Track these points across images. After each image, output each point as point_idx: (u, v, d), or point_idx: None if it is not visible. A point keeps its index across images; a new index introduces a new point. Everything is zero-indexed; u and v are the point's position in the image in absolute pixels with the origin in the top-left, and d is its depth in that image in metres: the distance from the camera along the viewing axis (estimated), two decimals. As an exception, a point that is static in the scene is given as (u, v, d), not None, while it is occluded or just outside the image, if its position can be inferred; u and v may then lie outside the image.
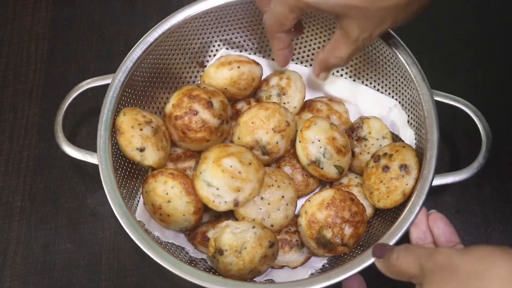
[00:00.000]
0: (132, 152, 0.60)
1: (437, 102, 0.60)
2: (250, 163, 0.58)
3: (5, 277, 0.66)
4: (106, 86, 0.63)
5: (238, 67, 0.66)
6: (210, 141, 0.63)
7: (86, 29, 0.81)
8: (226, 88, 0.66)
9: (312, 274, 0.60)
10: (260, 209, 0.59)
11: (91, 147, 0.61)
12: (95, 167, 0.58)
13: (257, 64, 0.68)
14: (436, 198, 0.68)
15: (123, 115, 0.61)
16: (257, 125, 0.62)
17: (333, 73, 0.72)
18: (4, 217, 0.69)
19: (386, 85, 0.68)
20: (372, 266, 0.50)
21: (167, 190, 0.59)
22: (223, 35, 0.71)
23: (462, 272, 0.39)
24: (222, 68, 0.66)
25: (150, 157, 0.61)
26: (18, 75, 0.78)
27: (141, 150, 0.60)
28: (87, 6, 0.83)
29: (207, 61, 0.73)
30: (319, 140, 0.61)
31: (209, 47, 0.72)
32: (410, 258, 0.44)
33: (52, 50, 0.80)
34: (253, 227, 0.56)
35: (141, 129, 0.60)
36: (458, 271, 0.39)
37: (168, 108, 0.64)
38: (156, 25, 0.65)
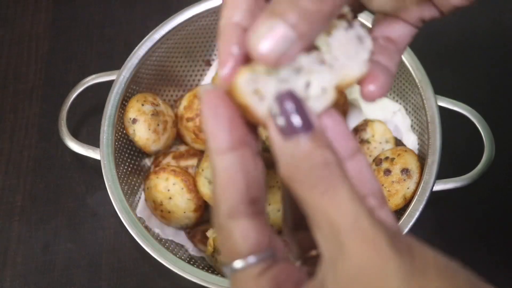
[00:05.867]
0: (127, 123, 0.61)
1: (440, 107, 0.59)
2: None
3: (5, 277, 0.65)
4: (106, 87, 0.63)
5: None
6: None
7: (86, 29, 0.81)
8: None
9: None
10: (261, 209, 0.59)
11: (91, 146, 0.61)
12: (95, 167, 0.58)
13: None
14: (434, 198, 0.68)
15: (139, 94, 0.63)
16: None
17: None
18: (5, 217, 0.69)
19: (390, 88, 0.68)
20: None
21: (168, 187, 0.60)
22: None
23: None
24: None
25: (139, 132, 0.61)
26: (18, 75, 0.78)
27: (133, 121, 0.61)
28: (87, 6, 0.83)
29: (213, 59, 0.73)
30: None
31: (215, 45, 0.72)
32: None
33: (52, 50, 0.80)
34: (252, 228, 0.56)
35: (142, 105, 0.62)
36: None
37: (180, 110, 0.64)
38: (162, 23, 0.65)
